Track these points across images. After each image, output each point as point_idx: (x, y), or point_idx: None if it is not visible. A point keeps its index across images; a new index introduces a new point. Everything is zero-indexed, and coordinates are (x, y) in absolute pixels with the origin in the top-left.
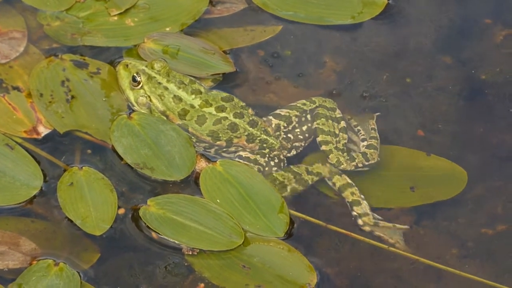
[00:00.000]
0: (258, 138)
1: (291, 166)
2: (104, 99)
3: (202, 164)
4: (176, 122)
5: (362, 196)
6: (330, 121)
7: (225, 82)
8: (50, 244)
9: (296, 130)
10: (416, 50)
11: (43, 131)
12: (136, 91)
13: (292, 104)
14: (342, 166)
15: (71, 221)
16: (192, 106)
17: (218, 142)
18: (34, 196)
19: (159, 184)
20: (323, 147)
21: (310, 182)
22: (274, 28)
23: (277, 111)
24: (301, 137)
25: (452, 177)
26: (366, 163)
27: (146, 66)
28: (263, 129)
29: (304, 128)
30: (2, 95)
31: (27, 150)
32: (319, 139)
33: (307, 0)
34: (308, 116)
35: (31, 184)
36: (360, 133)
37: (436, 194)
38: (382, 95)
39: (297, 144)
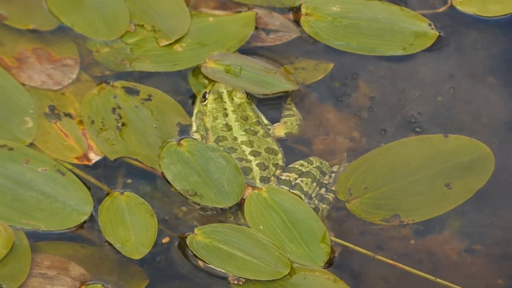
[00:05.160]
0: None
1: None
2: (154, 126)
3: (250, 192)
4: (209, 143)
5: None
6: (314, 184)
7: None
8: (98, 270)
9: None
10: (464, 78)
11: (94, 157)
12: (202, 106)
13: (290, 166)
14: None
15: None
16: (235, 139)
17: None
18: (84, 222)
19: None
20: None
21: None
22: (325, 67)
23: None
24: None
25: (479, 158)
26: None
27: (227, 91)
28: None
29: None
30: (54, 122)
31: (77, 176)
32: (294, 191)
33: (359, 30)
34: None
35: (81, 209)
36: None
37: (472, 184)
38: (415, 112)
39: None
